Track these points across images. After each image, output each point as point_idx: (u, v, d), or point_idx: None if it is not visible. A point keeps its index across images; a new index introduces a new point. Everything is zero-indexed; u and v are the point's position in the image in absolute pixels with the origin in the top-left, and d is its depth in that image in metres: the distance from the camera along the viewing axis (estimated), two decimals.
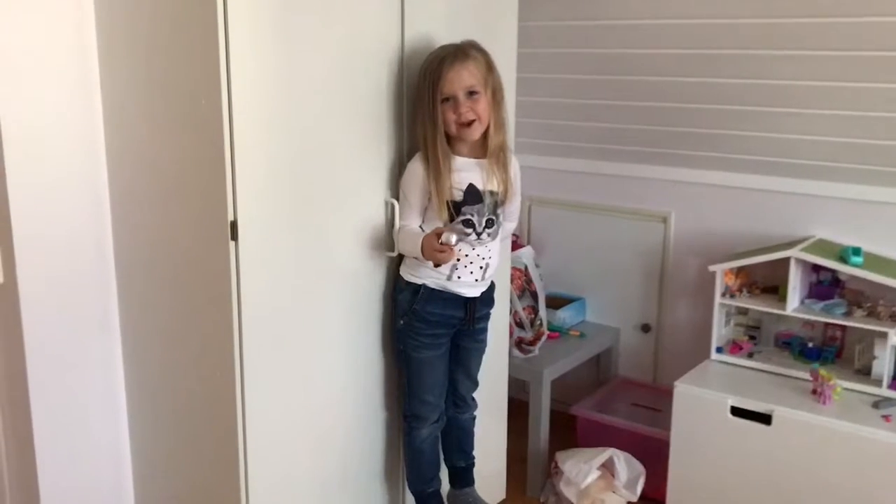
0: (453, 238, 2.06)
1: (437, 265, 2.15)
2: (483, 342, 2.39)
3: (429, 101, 2.10)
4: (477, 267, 2.22)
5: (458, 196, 2.15)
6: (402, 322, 2.25)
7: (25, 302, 2.00)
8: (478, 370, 2.41)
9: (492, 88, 2.14)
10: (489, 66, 2.14)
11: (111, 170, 2.11)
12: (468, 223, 2.17)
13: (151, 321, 2.15)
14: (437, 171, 2.12)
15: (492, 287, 2.35)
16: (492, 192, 2.18)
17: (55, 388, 2.09)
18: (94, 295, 2.14)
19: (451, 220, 2.15)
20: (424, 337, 2.24)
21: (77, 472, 2.17)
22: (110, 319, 2.19)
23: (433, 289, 2.21)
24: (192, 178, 1.94)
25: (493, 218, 2.19)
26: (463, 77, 2.07)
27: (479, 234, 2.18)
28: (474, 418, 2.47)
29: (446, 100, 2.09)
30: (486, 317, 2.37)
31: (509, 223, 2.38)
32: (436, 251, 2.08)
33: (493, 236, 2.22)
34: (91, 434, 2.19)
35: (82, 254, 2.10)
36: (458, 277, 2.21)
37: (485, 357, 2.44)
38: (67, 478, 2.15)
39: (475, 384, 2.43)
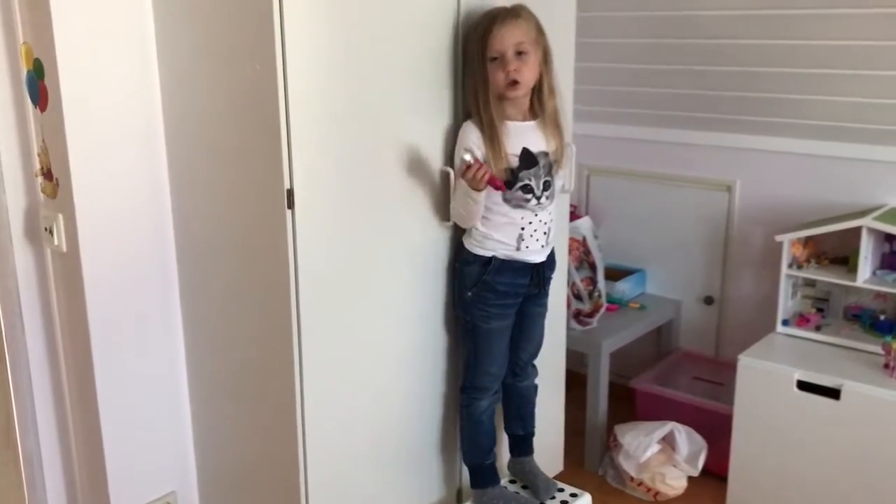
0: (466, 155, 2.03)
1: (480, 189, 2.06)
2: (545, 306, 2.38)
3: (478, 61, 2.09)
4: (541, 233, 2.21)
5: (514, 162, 2.12)
6: (469, 294, 2.23)
7: (87, 270, 2.02)
8: (541, 334, 2.40)
9: (542, 50, 2.12)
10: (539, 28, 2.13)
11: (169, 139, 2.12)
12: (527, 188, 2.13)
13: (210, 289, 2.16)
14: (492, 137, 2.09)
15: (553, 250, 2.34)
16: (545, 154, 2.16)
17: (117, 353, 2.12)
18: (154, 263, 2.16)
19: (510, 187, 2.12)
20: (494, 307, 2.22)
21: (140, 436, 2.21)
22: (170, 287, 2.21)
23: (503, 259, 2.19)
24: (249, 147, 1.93)
25: (549, 180, 2.18)
26: (514, 34, 2.06)
27: (538, 199, 2.15)
28: (535, 387, 2.44)
29: (495, 59, 2.07)
30: (549, 281, 2.35)
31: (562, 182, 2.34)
32: (472, 179, 2.03)
33: (551, 199, 2.20)
34: (153, 397, 2.22)
35: (142, 222, 2.12)
36: (527, 247, 2.19)
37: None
38: (131, 442, 2.19)
39: (537, 348, 2.40)
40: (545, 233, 2.22)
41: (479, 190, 2.07)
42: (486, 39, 2.06)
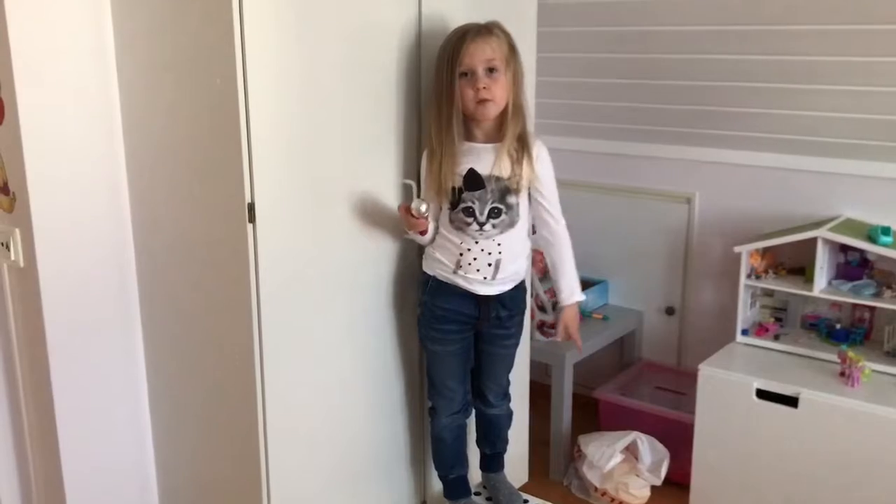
0: (423, 207, 2.01)
1: (409, 230, 2.11)
2: (507, 348, 2.27)
3: (446, 76, 2.02)
4: (484, 263, 2.09)
5: (460, 182, 2.05)
6: (419, 311, 2.23)
7: (45, 286, 2.00)
8: (503, 376, 2.32)
9: (512, 71, 2.05)
10: (512, 48, 2.06)
11: (129, 152, 2.10)
12: (468, 211, 2.05)
13: (170, 303, 2.14)
14: (440, 154, 2.04)
15: (518, 289, 2.21)
16: (498, 178, 2.05)
17: (76, 370, 2.09)
18: (113, 278, 2.14)
19: (454, 207, 2.07)
20: (435, 331, 2.19)
21: (100, 455, 2.18)
22: (130, 302, 2.19)
23: (442, 281, 2.14)
24: (210, 161, 1.92)
25: (501, 207, 2.06)
26: (485, 51, 2.00)
27: (481, 225, 2.05)
28: (506, 416, 2.39)
29: (464, 75, 2.01)
30: (512, 321, 2.22)
31: (551, 220, 2.18)
32: (406, 220, 2.06)
33: (501, 228, 2.07)
34: (113, 417, 2.19)
35: (101, 237, 2.10)
36: (465, 274, 2.10)
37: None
38: (91, 463, 2.16)
39: (500, 388, 2.32)
40: (490, 264, 2.08)
41: (405, 231, 2.12)
42: (457, 54, 1.99)
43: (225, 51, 1.77)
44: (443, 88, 2.04)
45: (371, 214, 2.15)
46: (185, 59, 1.91)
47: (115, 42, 2.04)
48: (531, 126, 2.22)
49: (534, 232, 2.23)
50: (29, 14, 1.89)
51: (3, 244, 2.04)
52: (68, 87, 1.98)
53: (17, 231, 2.00)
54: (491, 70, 2.01)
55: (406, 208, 2.04)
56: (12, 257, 2.02)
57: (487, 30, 2.03)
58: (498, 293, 2.15)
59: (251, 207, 1.86)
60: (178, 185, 2.02)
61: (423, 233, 2.11)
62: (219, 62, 1.80)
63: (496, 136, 2.08)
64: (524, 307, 2.29)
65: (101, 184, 2.08)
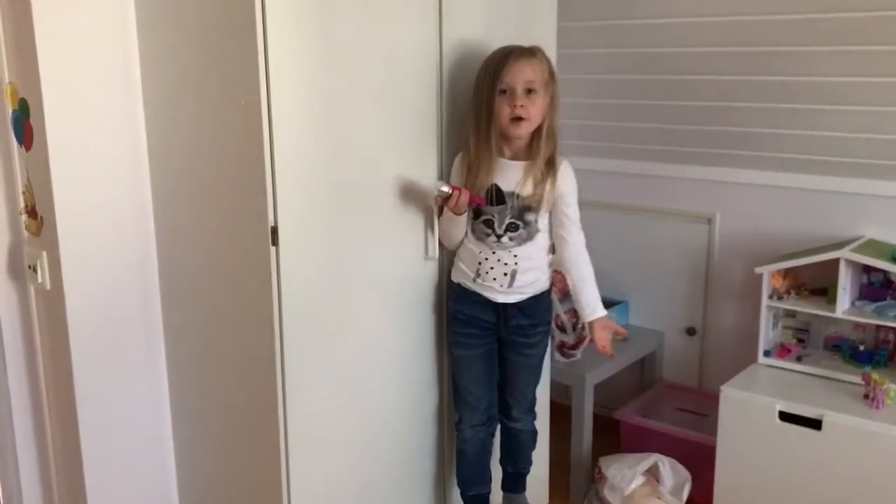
0: (444, 187, 2.09)
1: (461, 213, 2.14)
2: (529, 357, 2.32)
3: (486, 92, 2.09)
4: (500, 273, 2.19)
5: (484, 194, 2.14)
6: (448, 319, 2.30)
7: (71, 308, 2.03)
8: (527, 386, 2.36)
9: (550, 95, 2.12)
10: (551, 73, 2.14)
11: (154, 177, 2.13)
12: (488, 223, 2.16)
13: (194, 326, 2.17)
14: (476, 166, 2.12)
15: (539, 300, 2.27)
16: (517, 196, 2.14)
17: (101, 389, 2.12)
18: (137, 301, 2.17)
19: (475, 218, 2.18)
20: (459, 335, 2.27)
21: (123, 473, 2.20)
22: (154, 323, 2.21)
23: (465, 289, 2.23)
24: (233, 185, 1.95)
25: (518, 222, 2.15)
26: (526, 71, 2.07)
27: (498, 237, 2.16)
28: (530, 433, 2.43)
29: (503, 92, 2.08)
30: (532, 331, 2.27)
31: (570, 238, 2.24)
32: (454, 206, 2.11)
33: (517, 241, 2.17)
34: (136, 436, 2.22)
35: (126, 260, 2.12)
36: (483, 282, 2.21)
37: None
38: (114, 481, 2.18)
39: (524, 400, 2.36)
40: (506, 274, 2.18)
41: (460, 214, 2.13)
42: (499, 72, 2.07)
43: (249, 76, 1.80)
44: (482, 103, 2.11)
45: (394, 234, 2.16)
46: (209, 85, 1.94)
47: (142, 69, 2.07)
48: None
49: (552, 251, 2.26)
50: (58, 42, 1.92)
51: (30, 267, 2.07)
52: (95, 113, 2.02)
53: (45, 254, 2.03)
54: (529, 91, 2.07)
55: (442, 199, 2.11)
56: (39, 280, 2.05)
57: (531, 52, 2.11)
58: (516, 301, 2.23)
59: (274, 230, 1.87)
60: (202, 209, 2.05)
61: (478, 202, 2.12)
62: (243, 87, 1.83)
63: (525, 154, 2.16)
64: (548, 318, 2.34)
65: (126, 208, 2.11)
